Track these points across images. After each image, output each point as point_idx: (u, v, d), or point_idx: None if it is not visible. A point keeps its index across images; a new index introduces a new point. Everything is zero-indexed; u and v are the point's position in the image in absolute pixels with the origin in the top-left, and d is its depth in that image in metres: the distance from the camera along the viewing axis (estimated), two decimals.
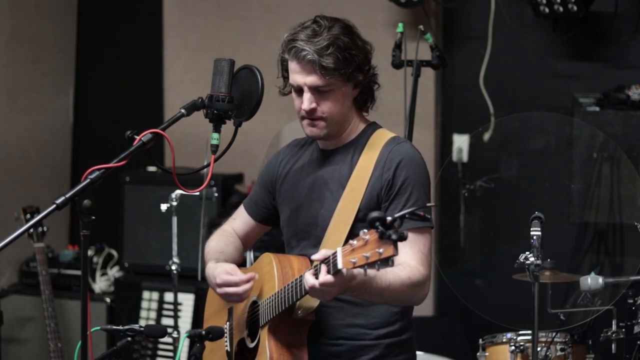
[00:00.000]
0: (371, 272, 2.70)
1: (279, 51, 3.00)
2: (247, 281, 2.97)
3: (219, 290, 3.01)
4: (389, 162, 2.92)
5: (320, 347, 2.95)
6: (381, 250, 2.43)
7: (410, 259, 2.85)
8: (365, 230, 2.48)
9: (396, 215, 2.43)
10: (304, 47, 2.88)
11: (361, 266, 2.48)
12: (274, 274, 2.94)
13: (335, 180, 3.01)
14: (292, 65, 2.94)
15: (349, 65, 2.89)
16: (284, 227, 3.14)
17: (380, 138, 3.01)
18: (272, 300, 2.90)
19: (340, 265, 2.53)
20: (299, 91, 2.94)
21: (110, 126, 5.78)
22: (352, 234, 2.87)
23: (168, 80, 5.76)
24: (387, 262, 2.45)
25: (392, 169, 2.91)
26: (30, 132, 5.66)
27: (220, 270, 3.03)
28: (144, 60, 5.88)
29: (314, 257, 2.70)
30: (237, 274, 2.99)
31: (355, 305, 2.92)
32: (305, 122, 2.98)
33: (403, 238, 2.40)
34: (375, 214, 2.42)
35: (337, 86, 2.91)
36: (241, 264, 3.26)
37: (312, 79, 2.90)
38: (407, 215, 2.47)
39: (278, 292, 2.88)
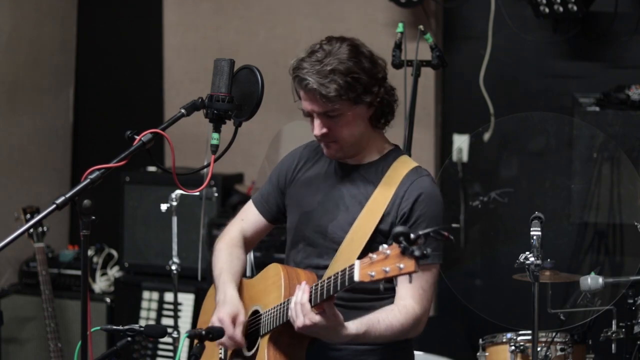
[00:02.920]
0: (362, 326, 2.80)
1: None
2: (236, 341, 2.99)
3: (213, 321, 2.99)
4: (408, 194, 2.92)
5: (321, 352, 2.95)
6: (402, 265, 2.42)
7: (409, 296, 2.88)
8: (386, 245, 2.47)
9: (421, 232, 2.42)
10: (305, 76, 2.88)
11: (378, 280, 2.47)
12: (281, 284, 2.93)
13: (352, 197, 3.00)
14: (300, 92, 2.94)
15: (353, 89, 2.88)
16: (290, 230, 3.13)
17: (404, 166, 3.00)
18: (277, 311, 2.90)
19: (357, 278, 2.52)
20: (311, 116, 2.95)
21: (110, 126, 5.78)
22: (364, 255, 2.87)
23: (168, 80, 5.76)
24: (405, 278, 2.46)
25: (410, 202, 2.91)
26: (30, 132, 5.66)
27: (232, 309, 3.00)
28: (144, 60, 5.88)
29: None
30: (238, 329, 2.98)
31: (359, 310, 2.92)
32: (322, 143, 2.99)
33: (426, 256, 2.39)
34: (399, 228, 2.41)
35: (344, 110, 2.90)
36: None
37: (317, 107, 2.91)
38: (431, 234, 2.46)
39: (284, 302, 2.88)
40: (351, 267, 2.57)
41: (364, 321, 2.83)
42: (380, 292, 2.67)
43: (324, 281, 2.73)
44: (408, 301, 2.88)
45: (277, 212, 3.21)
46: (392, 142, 3.12)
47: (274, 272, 3.00)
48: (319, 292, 2.73)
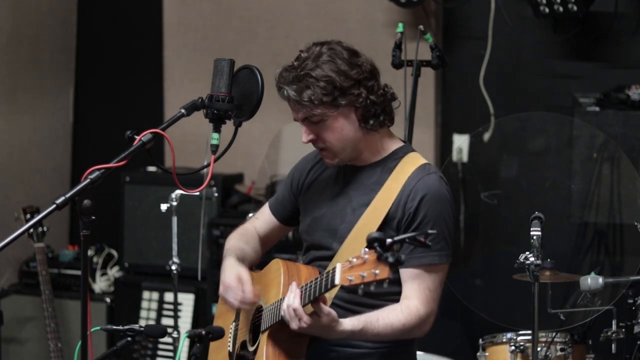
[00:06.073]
0: (359, 322, 2.80)
1: None
2: (248, 300, 2.99)
3: (221, 291, 3.02)
4: (414, 193, 2.90)
5: (318, 352, 2.95)
6: (377, 271, 2.41)
7: (414, 297, 2.88)
8: (367, 250, 2.46)
9: (396, 238, 2.41)
10: (282, 85, 2.91)
11: (357, 285, 2.46)
12: (280, 281, 2.94)
13: (359, 197, 3.00)
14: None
15: (327, 94, 2.85)
16: (302, 233, 3.14)
17: (411, 163, 2.98)
18: (275, 307, 2.90)
19: (337, 281, 2.52)
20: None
21: (110, 126, 5.78)
22: None
23: (168, 80, 5.76)
24: (381, 284, 2.44)
25: (416, 201, 2.89)
26: (30, 132, 5.66)
27: (233, 272, 3.02)
28: (144, 60, 5.88)
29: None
30: (246, 285, 2.99)
31: (355, 313, 2.91)
32: (320, 152, 3.02)
33: (400, 262, 2.38)
34: (374, 234, 2.40)
35: (325, 115, 2.89)
36: (257, 265, 3.28)
37: (298, 114, 2.93)
38: (407, 240, 2.45)
39: (280, 300, 2.88)
40: (334, 270, 2.57)
41: (362, 318, 2.83)
42: (380, 295, 2.66)
43: (310, 282, 2.75)
44: (413, 301, 2.87)
45: (291, 214, 3.23)
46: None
47: (275, 267, 3.02)
48: (307, 294, 2.75)
